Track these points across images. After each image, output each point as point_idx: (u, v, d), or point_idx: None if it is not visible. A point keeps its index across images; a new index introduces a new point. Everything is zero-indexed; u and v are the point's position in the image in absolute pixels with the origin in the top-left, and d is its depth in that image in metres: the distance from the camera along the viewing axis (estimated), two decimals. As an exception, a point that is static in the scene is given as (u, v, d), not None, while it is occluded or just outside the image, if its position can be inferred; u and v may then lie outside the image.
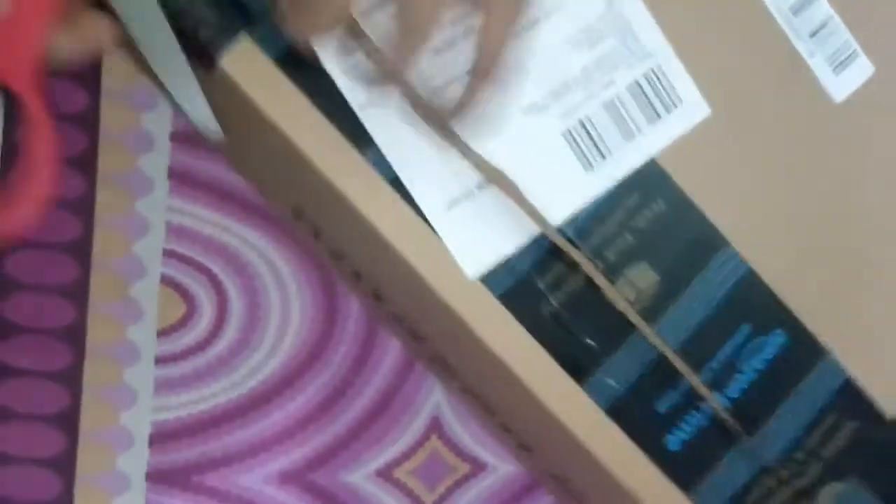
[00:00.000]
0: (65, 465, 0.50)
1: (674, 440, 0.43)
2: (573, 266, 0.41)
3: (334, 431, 0.52)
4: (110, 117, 0.50)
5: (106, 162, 0.50)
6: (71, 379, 0.50)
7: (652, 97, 0.43)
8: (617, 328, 0.42)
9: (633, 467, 0.42)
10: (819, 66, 0.46)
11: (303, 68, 0.38)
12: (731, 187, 0.44)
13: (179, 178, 0.51)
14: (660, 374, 0.42)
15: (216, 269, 0.51)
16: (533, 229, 0.40)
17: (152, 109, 0.50)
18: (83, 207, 0.50)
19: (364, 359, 0.52)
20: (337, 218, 0.41)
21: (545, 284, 0.41)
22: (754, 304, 0.44)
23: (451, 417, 0.52)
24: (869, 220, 0.46)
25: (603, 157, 0.42)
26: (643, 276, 0.42)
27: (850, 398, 0.45)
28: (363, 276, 0.46)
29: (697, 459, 0.43)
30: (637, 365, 0.42)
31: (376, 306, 0.49)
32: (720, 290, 0.43)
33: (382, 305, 0.47)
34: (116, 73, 0.50)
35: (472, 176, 0.40)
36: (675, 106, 0.43)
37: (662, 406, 0.42)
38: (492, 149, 0.40)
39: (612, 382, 0.42)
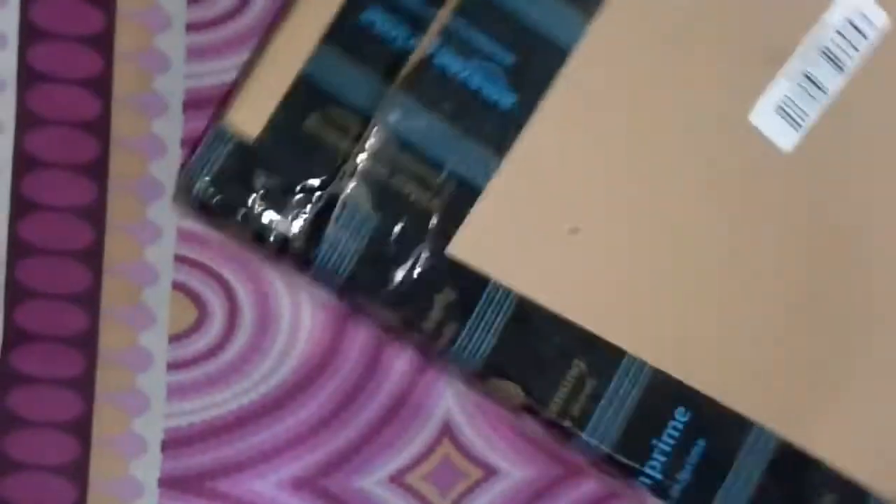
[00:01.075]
0: (78, 473, 0.50)
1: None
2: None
3: (346, 437, 0.52)
4: (122, 123, 0.50)
5: (117, 168, 0.50)
6: (83, 386, 0.50)
7: None
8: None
9: None
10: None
11: None
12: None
13: (190, 184, 0.51)
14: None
15: (227, 274, 0.51)
16: None
17: (163, 115, 0.51)
18: (94, 214, 0.50)
19: (375, 364, 0.52)
20: None
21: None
22: None
23: (463, 422, 0.52)
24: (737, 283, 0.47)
25: None
26: None
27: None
28: None
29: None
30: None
31: None
32: None
33: None
34: (128, 80, 0.50)
35: None
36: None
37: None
38: None
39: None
